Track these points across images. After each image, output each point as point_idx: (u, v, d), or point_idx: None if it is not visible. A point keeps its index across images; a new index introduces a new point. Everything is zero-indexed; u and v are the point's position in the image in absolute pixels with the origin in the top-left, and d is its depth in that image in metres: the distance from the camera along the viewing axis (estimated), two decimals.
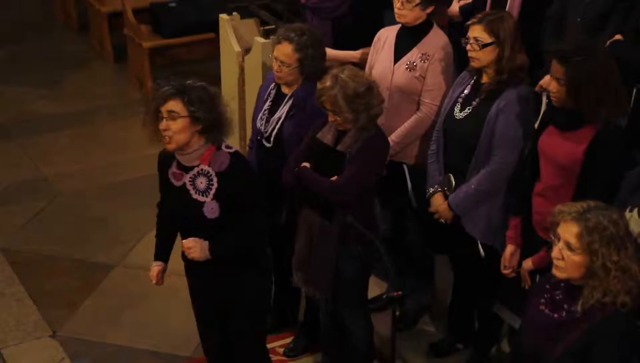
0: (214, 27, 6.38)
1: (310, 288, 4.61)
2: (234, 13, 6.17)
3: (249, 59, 5.94)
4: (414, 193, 4.97)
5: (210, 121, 3.93)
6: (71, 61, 8.87)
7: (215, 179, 3.99)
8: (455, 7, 5.30)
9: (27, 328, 5.42)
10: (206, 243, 4.02)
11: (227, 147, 4.05)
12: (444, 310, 5.22)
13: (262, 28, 6.29)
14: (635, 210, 3.66)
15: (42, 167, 7.10)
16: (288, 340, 5.24)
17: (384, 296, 5.22)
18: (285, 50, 4.65)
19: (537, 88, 4.52)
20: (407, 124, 4.87)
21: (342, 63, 4.80)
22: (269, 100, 4.83)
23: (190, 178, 4.02)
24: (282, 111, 4.74)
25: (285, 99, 4.74)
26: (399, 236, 5.26)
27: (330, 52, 5.19)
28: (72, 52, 9.10)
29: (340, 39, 5.27)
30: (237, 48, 6.07)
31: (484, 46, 4.38)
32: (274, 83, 4.82)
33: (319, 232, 4.45)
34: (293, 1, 5.51)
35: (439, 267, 5.39)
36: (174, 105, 3.89)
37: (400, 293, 4.05)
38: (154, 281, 4.34)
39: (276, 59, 4.69)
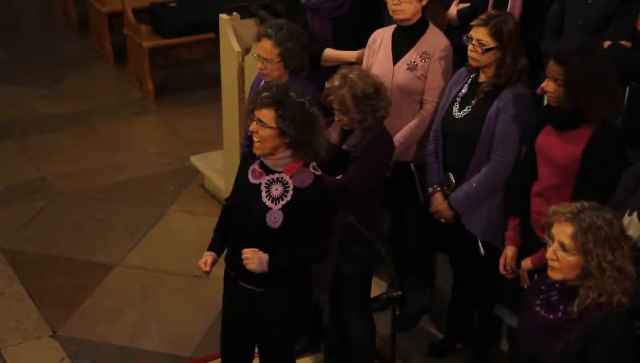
0: (214, 27, 6.38)
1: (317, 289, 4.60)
2: (234, 13, 6.17)
3: (248, 59, 5.93)
4: (422, 192, 4.94)
5: (298, 140, 3.88)
6: (71, 61, 8.87)
7: (291, 193, 3.93)
8: (453, 11, 5.28)
9: (27, 328, 5.41)
10: (265, 256, 3.93)
11: (315, 168, 4.00)
12: (444, 310, 5.21)
13: None
14: (635, 214, 3.64)
15: (42, 167, 7.10)
16: None
17: (384, 296, 5.21)
18: (265, 46, 4.72)
19: (538, 91, 4.50)
20: (412, 123, 4.85)
21: (351, 64, 4.81)
22: None
23: (268, 181, 3.96)
24: None
25: None
26: (399, 237, 5.26)
27: (330, 52, 5.21)
28: (72, 52, 9.10)
29: (341, 39, 5.26)
30: (237, 48, 6.07)
31: (487, 50, 4.37)
32: (263, 81, 4.86)
33: None
34: (293, 1, 5.49)
35: (439, 267, 5.38)
36: (266, 114, 3.85)
37: (400, 293, 4.05)
38: (203, 268, 4.11)
39: (259, 57, 4.76)
